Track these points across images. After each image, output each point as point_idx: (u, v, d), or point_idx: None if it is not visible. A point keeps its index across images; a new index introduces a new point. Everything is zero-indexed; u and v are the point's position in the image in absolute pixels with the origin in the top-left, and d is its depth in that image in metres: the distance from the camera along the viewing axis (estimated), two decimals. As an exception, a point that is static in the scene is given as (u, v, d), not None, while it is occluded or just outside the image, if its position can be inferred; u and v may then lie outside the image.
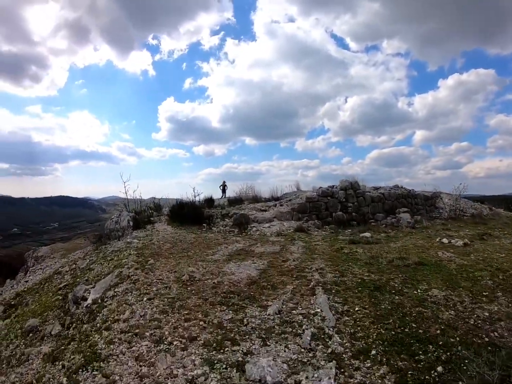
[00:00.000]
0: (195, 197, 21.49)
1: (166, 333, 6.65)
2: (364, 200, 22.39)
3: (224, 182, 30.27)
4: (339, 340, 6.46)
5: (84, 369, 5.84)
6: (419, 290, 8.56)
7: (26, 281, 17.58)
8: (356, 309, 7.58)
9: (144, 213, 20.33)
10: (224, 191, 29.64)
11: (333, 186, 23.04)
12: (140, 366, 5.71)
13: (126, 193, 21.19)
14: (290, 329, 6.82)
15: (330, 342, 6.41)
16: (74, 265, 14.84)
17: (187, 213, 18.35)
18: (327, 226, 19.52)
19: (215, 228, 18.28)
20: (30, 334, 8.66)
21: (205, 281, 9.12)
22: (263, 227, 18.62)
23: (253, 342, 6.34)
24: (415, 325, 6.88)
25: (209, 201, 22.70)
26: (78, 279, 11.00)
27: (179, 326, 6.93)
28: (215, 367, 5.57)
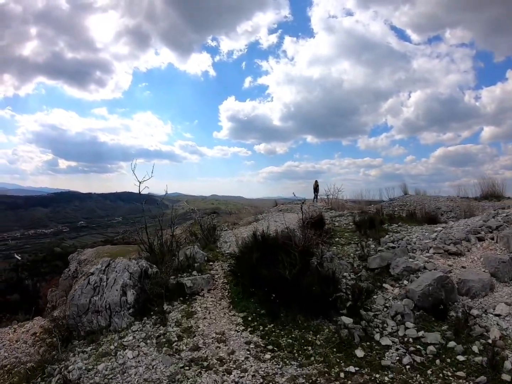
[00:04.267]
0: (304, 221, 8.73)
1: None
2: None
3: (316, 181, 24.18)
4: None
5: None
6: None
7: None
8: None
9: (172, 260, 7.90)
10: (316, 190, 23.99)
11: None
12: None
13: (143, 204, 9.76)
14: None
15: None
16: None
17: (290, 282, 5.63)
18: None
19: (383, 340, 5.66)
20: None
21: None
22: (494, 313, 6.38)
23: None
24: None
25: (318, 224, 9.91)
26: None
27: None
28: None
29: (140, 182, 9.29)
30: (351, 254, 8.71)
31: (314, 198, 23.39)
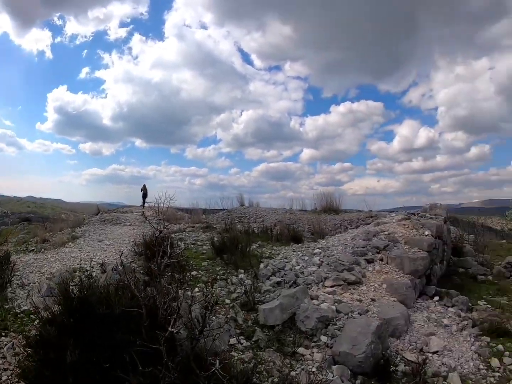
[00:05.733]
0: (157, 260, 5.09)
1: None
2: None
3: (144, 186, 22.19)
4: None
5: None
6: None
7: None
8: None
9: None
10: (145, 196, 21.78)
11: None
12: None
13: None
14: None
15: None
16: None
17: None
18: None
19: None
20: None
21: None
22: (432, 351, 5.23)
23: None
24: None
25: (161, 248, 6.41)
26: None
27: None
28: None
29: None
30: (227, 301, 5.64)
31: (142, 204, 21.01)
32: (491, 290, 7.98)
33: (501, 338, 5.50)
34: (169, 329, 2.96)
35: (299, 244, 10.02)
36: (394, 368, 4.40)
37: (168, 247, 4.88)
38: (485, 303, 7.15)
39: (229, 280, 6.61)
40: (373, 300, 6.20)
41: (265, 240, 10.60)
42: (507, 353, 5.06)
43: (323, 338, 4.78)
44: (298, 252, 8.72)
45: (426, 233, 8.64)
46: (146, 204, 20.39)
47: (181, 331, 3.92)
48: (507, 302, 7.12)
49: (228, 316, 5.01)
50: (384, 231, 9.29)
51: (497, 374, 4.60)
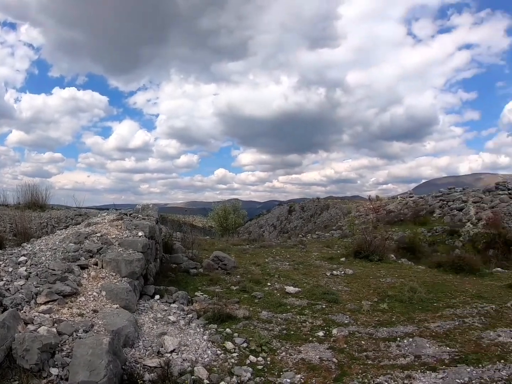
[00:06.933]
0: None
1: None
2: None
3: None
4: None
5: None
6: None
7: None
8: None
9: None
10: None
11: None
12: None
13: None
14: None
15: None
16: None
17: None
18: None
19: None
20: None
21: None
22: (169, 351, 5.40)
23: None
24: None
25: None
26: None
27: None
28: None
29: None
30: None
31: None
32: (204, 281, 9.18)
33: (226, 323, 6.41)
34: None
35: (1, 251, 8.41)
36: (141, 381, 4.39)
37: None
38: (202, 293, 8.13)
39: None
40: (95, 311, 5.90)
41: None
42: (235, 334, 5.95)
43: (54, 371, 4.34)
44: (0, 262, 7.29)
45: (140, 234, 8.84)
46: None
47: None
48: (221, 290, 8.45)
49: None
50: (96, 233, 8.99)
51: (235, 354, 5.30)
